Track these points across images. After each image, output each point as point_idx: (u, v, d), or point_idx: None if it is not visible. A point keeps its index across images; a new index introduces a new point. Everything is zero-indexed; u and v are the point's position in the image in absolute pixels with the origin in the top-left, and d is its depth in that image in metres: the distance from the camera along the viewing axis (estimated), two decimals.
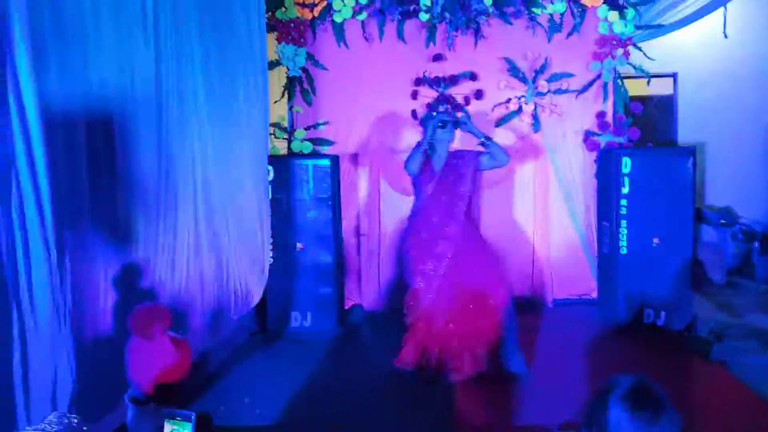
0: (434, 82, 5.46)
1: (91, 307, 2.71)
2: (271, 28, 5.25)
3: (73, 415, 1.51)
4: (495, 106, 5.47)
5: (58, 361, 2.50)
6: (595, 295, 5.39)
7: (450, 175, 4.10)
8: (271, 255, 4.82)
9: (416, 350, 4.03)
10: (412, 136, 5.50)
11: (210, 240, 4.00)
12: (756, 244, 5.77)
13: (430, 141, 4.12)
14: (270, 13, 5.21)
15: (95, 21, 2.79)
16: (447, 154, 4.15)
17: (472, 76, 5.45)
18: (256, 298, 4.59)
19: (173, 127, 3.51)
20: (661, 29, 5.38)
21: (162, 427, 1.78)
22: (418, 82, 5.47)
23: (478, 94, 5.44)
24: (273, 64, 5.30)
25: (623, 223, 4.76)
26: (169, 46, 3.44)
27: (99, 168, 2.82)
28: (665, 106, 6.22)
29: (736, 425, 3.24)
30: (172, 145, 3.50)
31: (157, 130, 3.33)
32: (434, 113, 4.32)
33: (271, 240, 4.79)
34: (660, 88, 6.14)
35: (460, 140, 4.49)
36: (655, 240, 4.71)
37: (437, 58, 5.44)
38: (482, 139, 4.06)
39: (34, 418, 2.45)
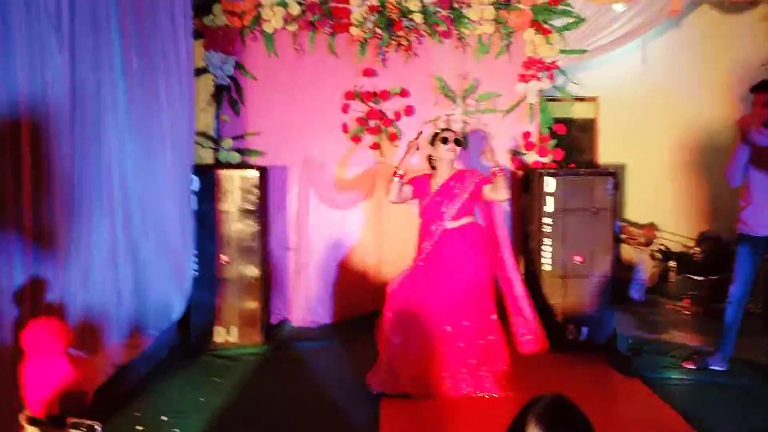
0: (365, 97, 5.46)
1: None
2: (198, 35, 5.12)
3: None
4: (424, 123, 5.51)
5: None
6: None
7: (440, 196, 4.02)
8: (194, 268, 4.67)
9: (388, 371, 3.92)
10: (341, 150, 5.49)
11: (128, 251, 3.83)
12: (672, 264, 6.01)
13: (429, 158, 4.08)
14: (197, 20, 5.09)
15: (3, 21, 2.63)
16: (449, 173, 4.06)
17: (403, 93, 5.49)
18: (177, 313, 4.42)
19: (89, 133, 3.35)
20: (584, 54, 5.58)
21: None
22: (350, 95, 5.46)
23: (408, 111, 5.48)
24: (200, 71, 5.18)
25: (547, 241, 4.85)
26: (85, 50, 3.29)
27: (5, 176, 2.64)
28: (587, 128, 6.43)
29: None
30: (88, 153, 3.35)
31: (71, 137, 3.17)
32: (439, 130, 4.19)
33: (194, 252, 4.64)
34: (582, 111, 6.36)
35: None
36: (578, 258, 4.82)
37: (368, 73, 5.44)
38: (495, 169, 3.96)
39: None
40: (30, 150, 2.80)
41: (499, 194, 4.00)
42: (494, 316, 3.99)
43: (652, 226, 6.22)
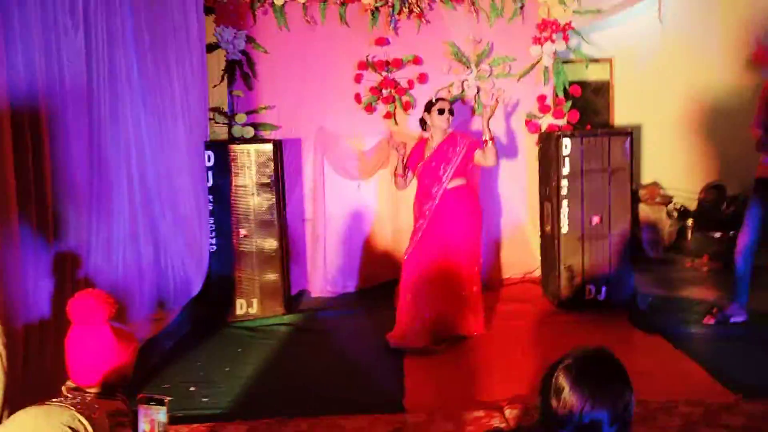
0: (378, 66, 5.44)
1: (22, 297, 2.59)
2: (209, 11, 5.11)
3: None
4: (438, 90, 5.48)
5: None
6: (538, 273, 5.49)
7: (436, 161, 4.25)
8: (213, 242, 4.72)
9: (411, 322, 4.14)
10: (355, 120, 5.49)
11: (147, 228, 3.89)
12: (690, 222, 5.97)
13: (423, 121, 4.37)
14: None
15: (18, 5, 2.64)
16: (442, 138, 4.30)
17: (416, 60, 5.46)
18: (196, 287, 4.49)
19: (105, 113, 3.38)
20: (599, 14, 5.49)
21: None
22: (362, 65, 5.44)
23: (422, 78, 5.45)
24: (212, 47, 5.18)
25: (564, 203, 4.84)
26: (99, 30, 3.29)
27: (26, 157, 2.67)
28: (602, 90, 6.37)
29: (677, 392, 3.34)
30: (105, 132, 3.38)
31: (88, 117, 3.20)
32: (433, 99, 4.44)
33: (212, 227, 4.70)
34: (597, 72, 6.28)
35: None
36: (595, 219, 4.81)
37: (381, 42, 5.41)
38: (487, 138, 4.21)
39: None
40: (49, 130, 2.83)
41: (489, 161, 4.27)
42: (477, 268, 4.32)
43: (655, 185, 6.18)
